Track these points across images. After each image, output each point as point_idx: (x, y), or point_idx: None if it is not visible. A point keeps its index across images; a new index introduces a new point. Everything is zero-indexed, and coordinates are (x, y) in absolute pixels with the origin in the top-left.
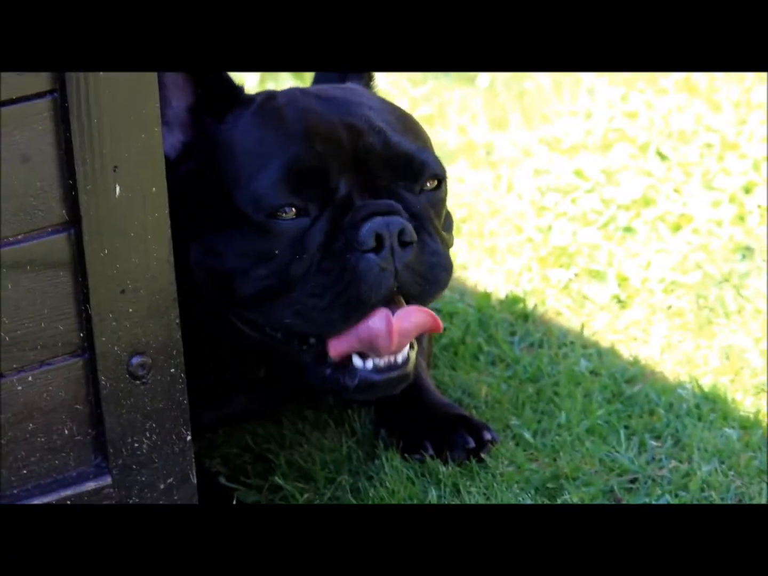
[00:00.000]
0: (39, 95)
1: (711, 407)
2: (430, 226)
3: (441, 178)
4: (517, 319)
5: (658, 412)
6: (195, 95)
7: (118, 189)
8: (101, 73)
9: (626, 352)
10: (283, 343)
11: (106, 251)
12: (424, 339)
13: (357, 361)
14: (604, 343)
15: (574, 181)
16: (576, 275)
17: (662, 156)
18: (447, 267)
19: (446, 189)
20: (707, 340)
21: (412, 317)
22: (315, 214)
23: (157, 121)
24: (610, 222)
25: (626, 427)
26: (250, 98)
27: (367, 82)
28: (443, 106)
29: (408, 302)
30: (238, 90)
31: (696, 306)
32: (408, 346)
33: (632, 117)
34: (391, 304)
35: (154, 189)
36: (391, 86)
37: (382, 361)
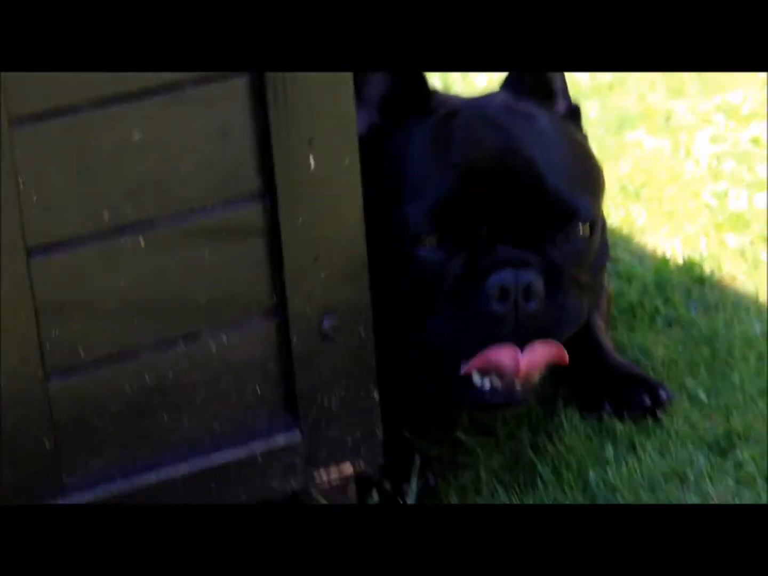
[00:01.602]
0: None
1: None
2: (566, 279)
3: (594, 224)
4: (694, 283)
5: None
6: (392, 82)
7: (312, 161)
8: None
9: None
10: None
11: (300, 220)
12: (603, 301)
13: (476, 378)
14: None
15: (750, 149)
16: (752, 241)
17: None
18: (572, 321)
19: (598, 237)
20: None
21: (539, 353)
22: (453, 252)
23: (351, 98)
24: None
25: None
26: (435, 107)
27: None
28: (622, 74)
29: None
30: (431, 93)
31: None
32: None
33: None
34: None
35: (347, 161)
36: None
37: (500, 385)
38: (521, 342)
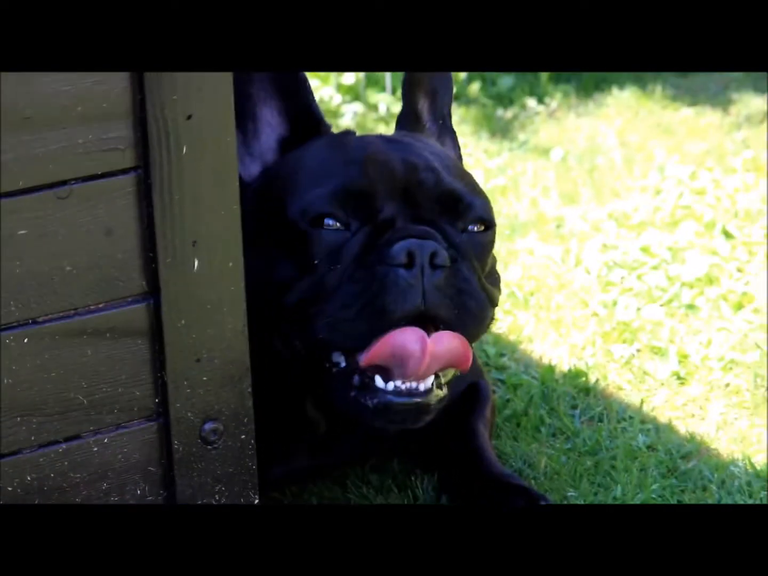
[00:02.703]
0: (124, 171)
1: (762, 485)
2: (467, 261)
3: (488, 224)
4: (579, 393)
5: (710, 489)
6: (287, 131)
7: (196, 263)
8: (184, 151)
9: (683, 428)
10: (315, 364)
11: (183, 321)
12: (487, 410)
13: (379, 381)
14: (663, 418)
15: (641, 257)
16: (638, 351)
17: (728, 234)
18: (478, 297)
19: (494, 237)
20: (762, 418)
21: (445, 342)
22: (355, 229)
23: (236, 200)
24: (674, 299)
25: (679, 502)
26: (329, 132)
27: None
28: (517, 178)
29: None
30: (325, 127)
31: (753, 385)
32: (433, 378)
33: (700, 194)
34: (426, 327)
35: (231, 264)
36: (467, 156)
37: (403, 386)
38: (426, 326)
